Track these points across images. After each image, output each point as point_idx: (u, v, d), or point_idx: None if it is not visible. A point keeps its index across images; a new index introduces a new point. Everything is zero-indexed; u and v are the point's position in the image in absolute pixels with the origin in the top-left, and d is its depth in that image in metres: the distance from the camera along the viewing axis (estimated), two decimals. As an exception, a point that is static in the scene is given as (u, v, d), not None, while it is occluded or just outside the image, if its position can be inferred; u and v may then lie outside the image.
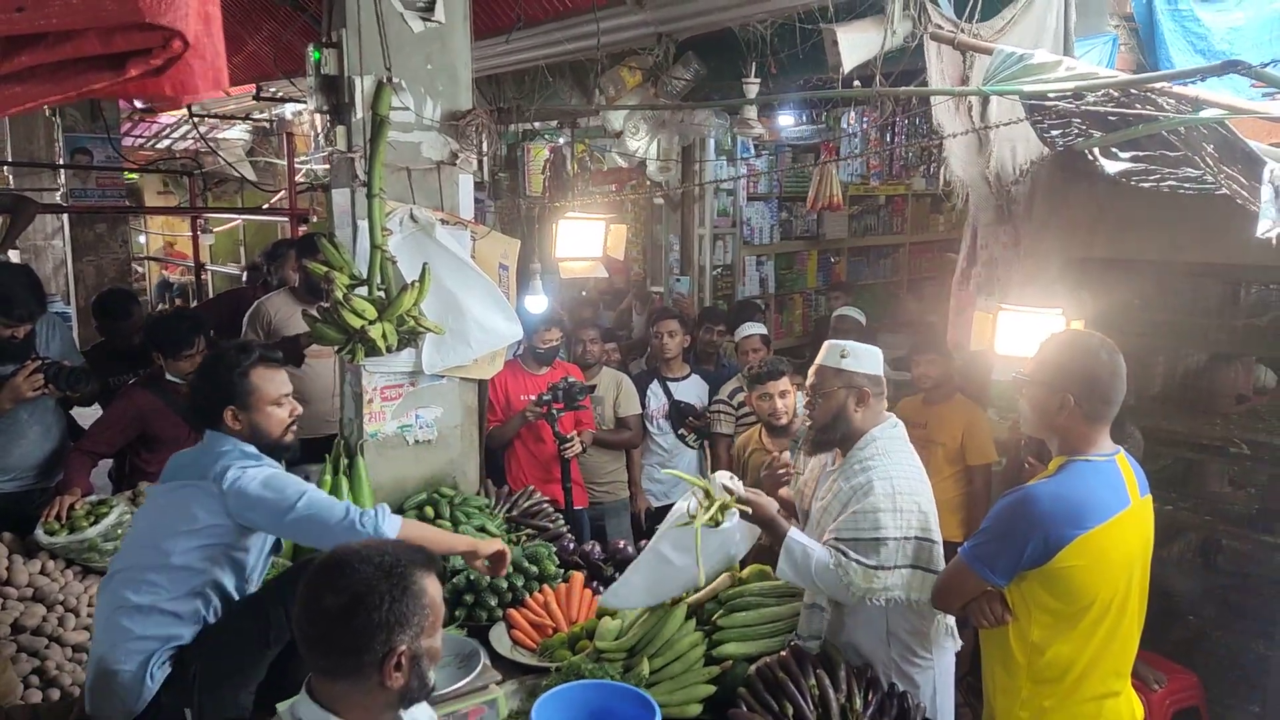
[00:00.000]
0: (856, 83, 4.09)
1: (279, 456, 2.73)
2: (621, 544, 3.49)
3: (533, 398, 4.41)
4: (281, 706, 1.60)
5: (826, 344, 2.79)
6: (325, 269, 3.17)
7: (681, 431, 5.07)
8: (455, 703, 2.34)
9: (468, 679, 2.45)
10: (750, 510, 2.66)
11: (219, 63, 1.19)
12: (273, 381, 2.64)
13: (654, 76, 5.04)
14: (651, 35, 4.68)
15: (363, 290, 3.23)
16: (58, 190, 7.42)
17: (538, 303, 4.20)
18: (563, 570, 3.31)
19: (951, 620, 2.63)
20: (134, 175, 10.87)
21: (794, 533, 2.61)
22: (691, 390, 5.13)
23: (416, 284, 3.26)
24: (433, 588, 1.58)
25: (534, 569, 3.20)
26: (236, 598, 2.54)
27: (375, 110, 3.23)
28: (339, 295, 3.10)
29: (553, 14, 4.62)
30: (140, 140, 10.78)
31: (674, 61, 4.93)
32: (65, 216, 7.68)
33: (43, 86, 1.10)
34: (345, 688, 1.53)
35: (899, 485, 2.54)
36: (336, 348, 3.32)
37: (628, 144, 5.60)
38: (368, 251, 3.26)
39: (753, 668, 2.61)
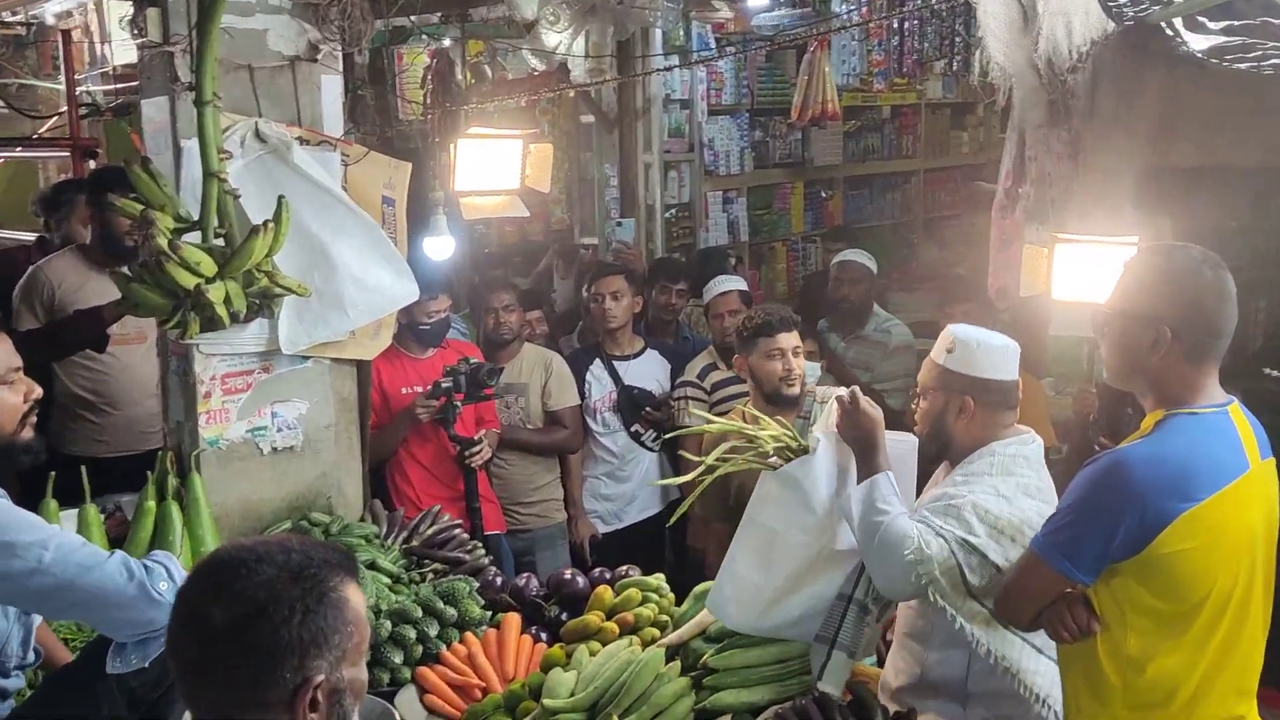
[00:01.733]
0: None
1: (14, 463, 2.67)
2: (569, 574, 3.53)
3: (419, 389, 4.43)
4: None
5: (945, 331, 2.87)
6: (140, 208, 3.13)
7: (636, 428, 5.13)
8: (365, 781, 2.35)
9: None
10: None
11: None
12: (4, 350, 2.55)
13: (577, -56, 5.09)
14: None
15: (195, 236, 3.20)
16: None
17: (442, 245, 4.20)
18: (490, 613, 3.34)
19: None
20: None
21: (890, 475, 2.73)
22: (647, 371, 5.19)
23: (270, 226, 3.23)
24: (356, 598, 1.60)
25: (450, 612, 3.23)
26: None
27: (202, -16, 3.20)
28: (162, 244, 3.06)
29: None
30: None
31: (605, -79, 4.99)
32: None
33: None
34: (238, 735, 1.53)
35: (1000, 511, 2.64)
36: (160, 321, 3.29)
37: (543, 39, 5.63)
38: (198, 183, 3.23)
39: (760, 720, 2.68)
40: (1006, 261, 4.51)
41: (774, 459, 2.87)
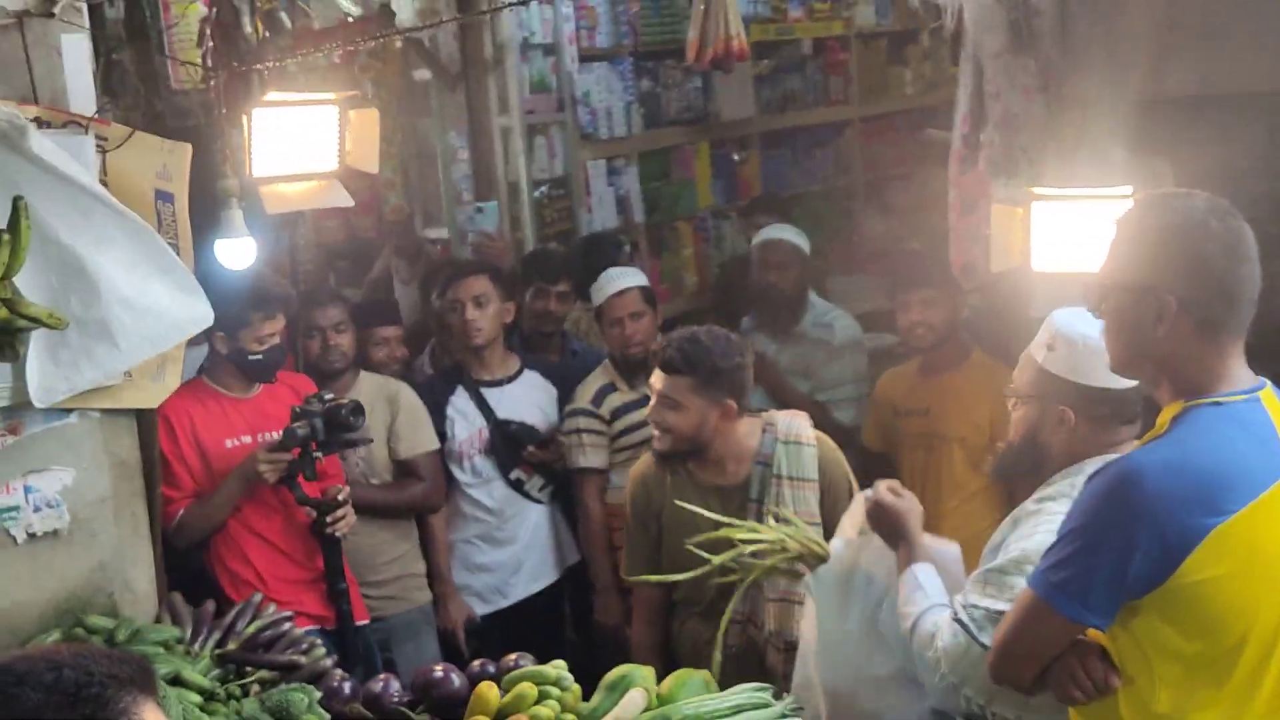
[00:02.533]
0: None
1: None
2: (440, 671, 3.50)
3: (248, 440, 4.41)
4: None
5: (1047, 320, 2.92)
6: None
7: (518, 474, 5.12)
8: None
9: None
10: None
11: None
12: None
13: None
14: None
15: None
16: None
17: (240, 250, 4.10)
18: (333, 723, 3.31)
19: None
20: None
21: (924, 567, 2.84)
22: (526, 398, 5.21)
23: (5, 238, 3.17)
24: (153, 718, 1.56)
25: (285, 731, 3.18)
26: None
27: None
28: None
29: None
30: None
31: None
32: None
33: None
34: None
35: None
36: None
37: (356, -26, 5.61)
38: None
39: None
40: (971, 229, 4.59)
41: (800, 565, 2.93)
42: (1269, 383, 2.47)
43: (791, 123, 8.78)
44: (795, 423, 4.01)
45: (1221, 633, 2.36)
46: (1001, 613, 2.63)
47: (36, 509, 3.59)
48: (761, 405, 4.49)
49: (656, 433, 3.98)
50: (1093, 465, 2.70)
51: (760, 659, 3.86)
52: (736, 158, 8.40)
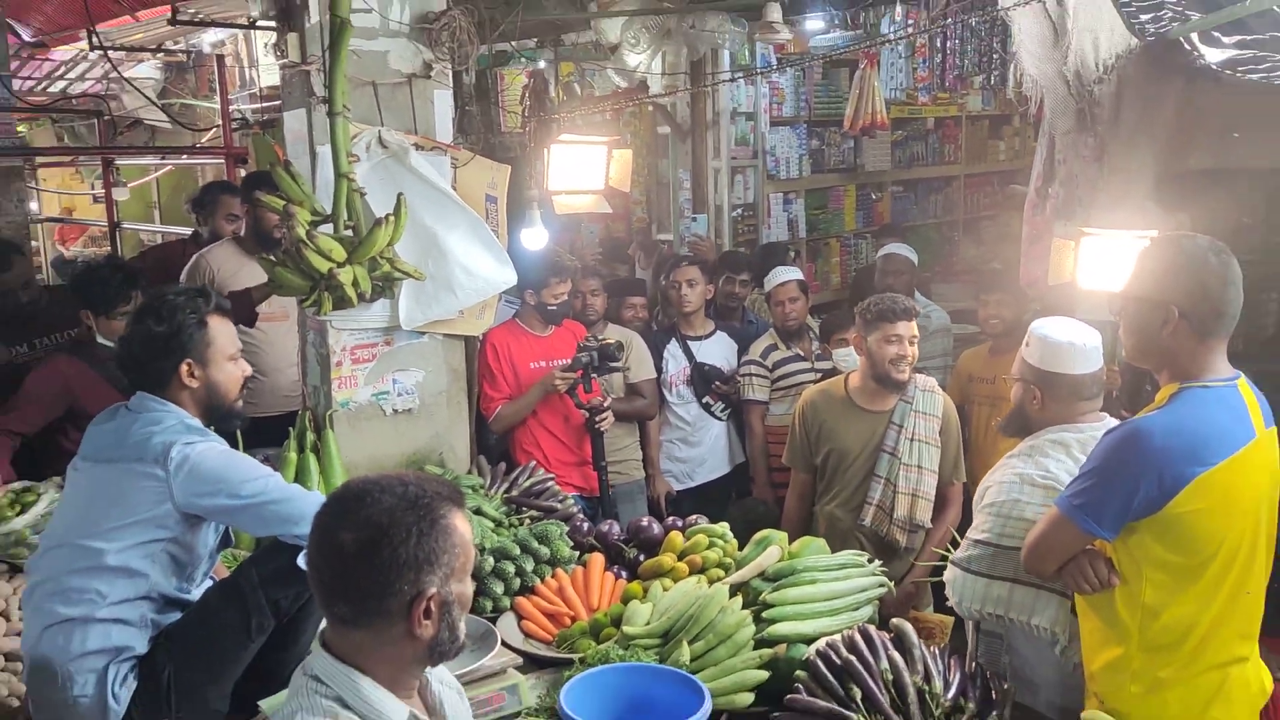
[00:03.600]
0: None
1: (230, 425, 2.79)
2: (646, 521, 3.55)
3: (545, 363, 4.44)
4: (267, 704, 1.65)
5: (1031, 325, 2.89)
6: (283, 204, 3.22)
7: (707, 400, 5.14)
8: (472, 687, 2.41)
9: (484, 660, 2.52)
10: None
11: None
12: (229, 334, 2.70)
13: (658, -24, 5.09)
14: (655, -79, 4.72)
15: (328, 228, 3.29)
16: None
17: (535, 237, 4.24)
18: (578, 553, 3.38)
19: None
20: (24, 127, 10.89)
21: None
22: (717, 350, 5.19)
23: (390, 219, 3.31)
24: (462, 525, 1.64)
25: (544, 551, 3.27)
26: (182, 600, 2.59)
27: (334, 12, 3.27)
28: (301, 233, 3.16)
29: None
30: (30, 82, 10.78)
31: (683, -44, 4.99)
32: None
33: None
34: (367, 637, 1.59)
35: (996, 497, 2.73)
36: (300, 300, 3.38)
37: (625, 59, 5.64)
38: (331, 183, 3.32)
39: (812, 649, 2.68)
40: (1037, 254, 4.43)
41: None
42: (1243, 375, 2.39)
43: (915, 175, 8.54)
44: (929, 379, 3.99)
45: (1197, 551, 2.30)
46: (976, 541, 2.73)
47: (399, 394, 3.73)
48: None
49: (909, 362, 3.85)
50: (1050, 431, 2.77)
51: (887, 537, 3.82)
52: (874, 197, 8.21)
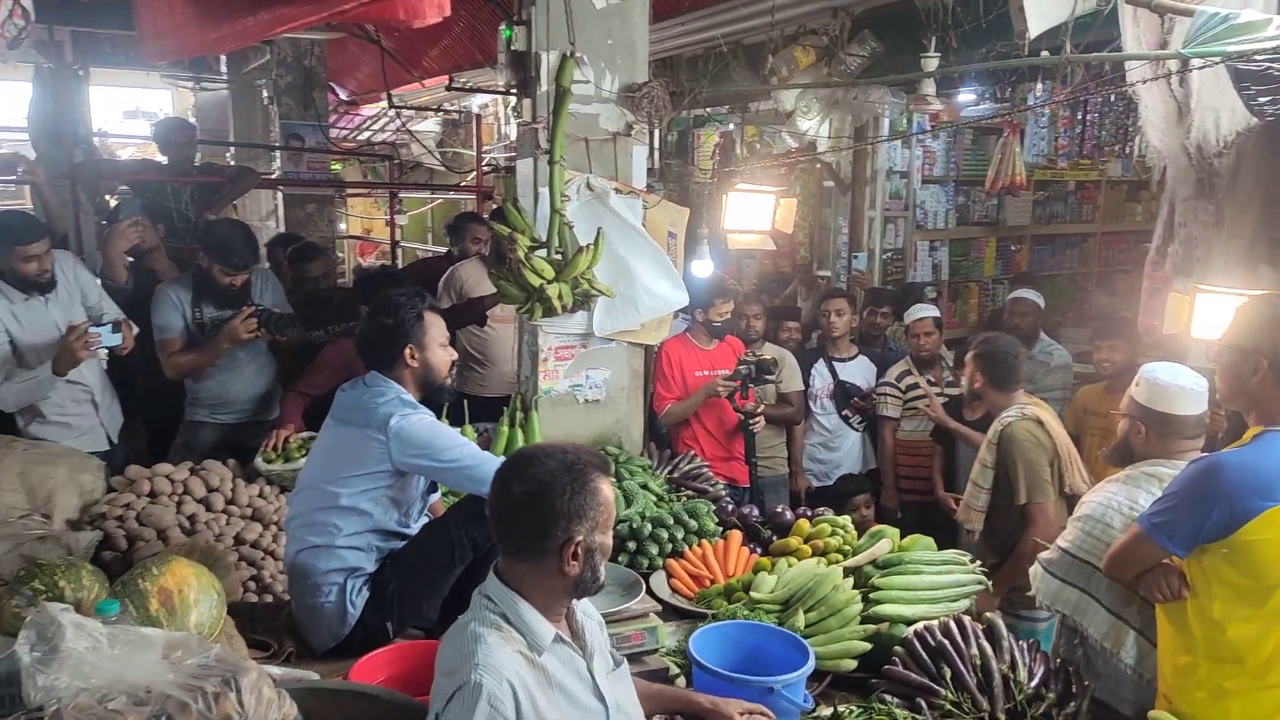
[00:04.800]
0: (1044, 53, 3.94)
1: (440, 399, 2.94)
2: (781, 508, 3.53)
3: (709, 372, 4.45)
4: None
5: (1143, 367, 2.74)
6: (509, 231, 3.40)
7: (846, 412, 5.04)
8: (618, 625, 2.48)
9: (630, 603, 2.59)
10: None
11: (444, -10, 1.35)
12: (439, 325, 2.82)
13: (828, 55, 5.03)
14: (827, 10, 4.68)
15: (542, 252, 3.45)
16: (273, 173, 8.25)
17: (704, 267, 4.29)
18: (721, 529, 3.40)
19: None
20: (338, 165, 11.85)
21: None
22: (858, 371, 5.08)
23: (591, 247, 3.44)
24: (606, 488, 1.72)
25: (693, 523, 3.31)
26: (400, 532, 2.75)
27: (558, 82, 3.43)
28: (520, 255, 3.33)
29: (728, -8, 4.70)
30: (344, 131, 11.75)
31: (850, 39, 4.91)
32: (280, 199, 8.51)
33: (306, 7, 1.30)
34: (527, 569, 1.69)
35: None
36: (518, 307, 3.56)
37: (798, 124, 5.60)
38: (548, 216, 3.47)
39: (910, 630, 2.61)
40: (1154, 306, 4.11)
41: None
42: None
43: (1054, 231, 8.04)
44: (1012, 412, 3.65)
45: (1263, 576, 2.12)
46: (1060, 547, 2.61)
47: (590, 387, 3.80)
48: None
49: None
50: (1146, 465, 2.56)
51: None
52: (1014, 248, 7.79)
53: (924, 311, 4.97)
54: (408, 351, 2.71)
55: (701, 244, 4.37)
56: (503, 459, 2.50)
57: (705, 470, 3.90)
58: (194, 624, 2.31)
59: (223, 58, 9.67)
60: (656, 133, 7.13)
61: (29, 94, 5.38)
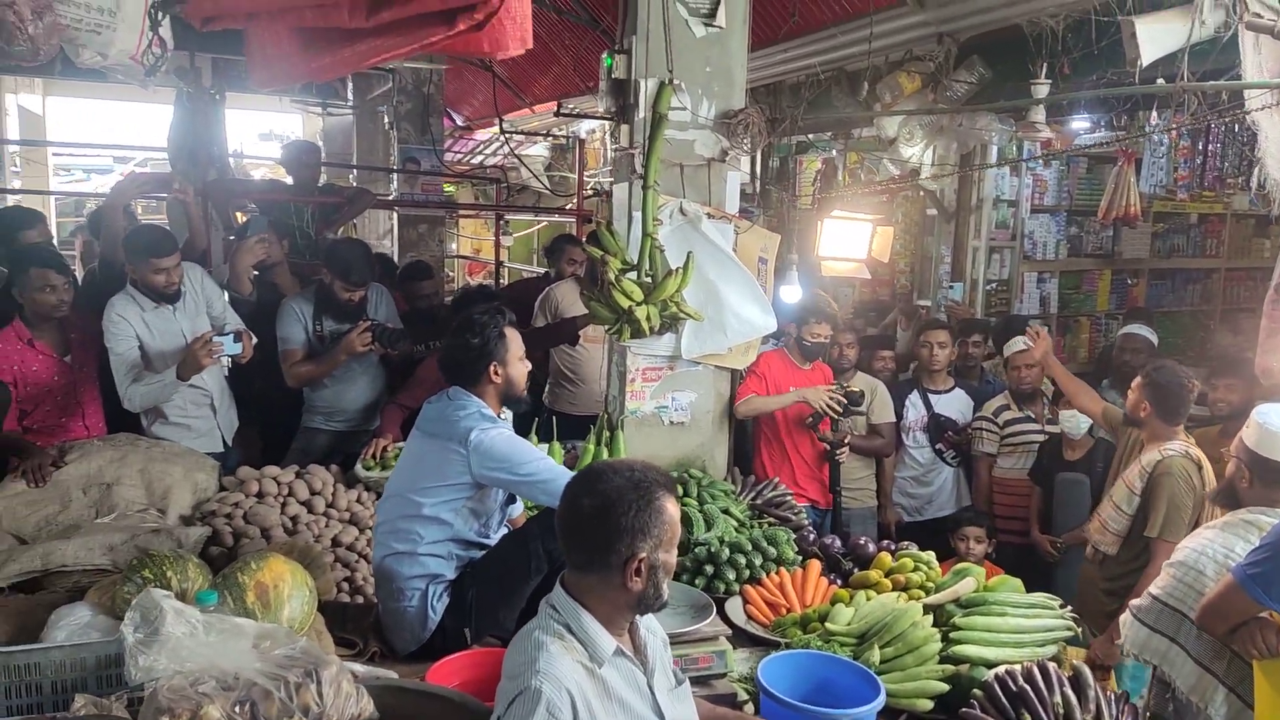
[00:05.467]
0: (1159, 80, 3.78)
1: (517, 408, 3.05)
2: (863, 540, 3.47)
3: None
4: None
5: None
6: (601, 253, 3.47)
7: (939, 446, 4.90)
8: (687, 646, 2.49)
9: (700, 625, 2.59)
10: None
11: (526, 25, 1.43)
12: (518, 340, 2.89)
13: (934, 81, 4.95)
14: (932, 36, 4.61)
15: (632, 275, 3.50)
16: (390, 195, 8.63)
17: (793, 292, 4.27)
18: (800, 558, 3.36)
19: None
20: (451, 188, 12.30)
21: None
22: (954, 404, 4.93)
23: (680, 271, 3.48)
24: (672, 507, 1.74)
25: (772, 550, 3.28)
26: (481, 542, 2.82)
27: (655, 109, 3.50)
28: (611, 277, 3.39)
29: (830, 19, 4.69)
30: (459, 155, 12.19)
31: (956, 65, 4.82)
32: (395, 220, 8.89)
33: (397, 39, 1.40)
34: (592, 582, 1.72)
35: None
36: (607, 328, 3.62)
37: (901, 151, 5.51)
38: (640, 240, 3.53)
39: (991, 673, 2.52)
40: (1273, 346, 3.86)
41: None
42: None
43: (1174, 265, 7.63)
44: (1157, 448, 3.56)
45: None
46: (1151, 594, 2.51)
47: (676, 410, 3.82)
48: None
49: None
50: (1247, 512, 2.41)
51: None
52: (1130, 281, 7.43)
53: (1024, 344, 4.80)
54: (492, 368, 2.78)
55: (791, 269, 4.34)
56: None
57: (788, 498, 3.86)
58: (286, 618, 2.43)
59: (349, 84, 10.21)
60: (757, 159, 7.18)
61: (170, 116, 5.78)
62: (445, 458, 2.69)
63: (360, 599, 3.27)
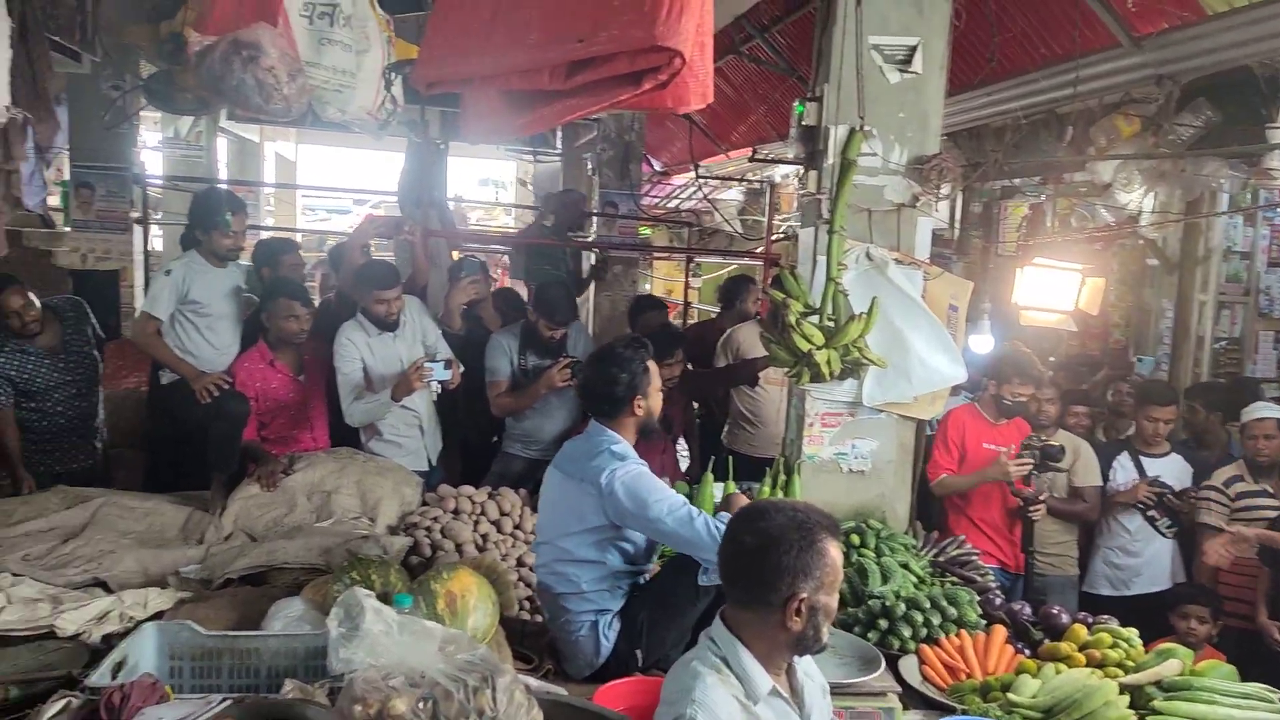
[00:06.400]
0: None
1: (652, 437, 3.13)
2: (1055, 609, 3.24)
3: (993, 448, 4.17)
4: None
5: None
6: (783, 296, 3.50)
7: (1153, 514, 4.49)
8: (853, 699, 2.43)
9: (868, 678, 2.52)
10: None
11: (707, 81, 1.53)
12: (657, 373, 2.93)
13: (1154, 125, 4.64)
14: (1150, 78, 4.34)
15: (814, 319, 3.50)
16: (589, 236, 9.06)
17: (984, 343, 4.09)
18: (984, 621, 3.19)
19: None
20: (646, 230, 12.73)
21: None
22: (1170, 470, 4.51)
23: (864, 316, 3.44)
24: (834, 550, 1.73)
25: (952, 610, 3.14)
26: (638, 572, 2.88)
27: (844, 155, 3.51)
28: (791, 320, 3.41)
29: (1035, 61, 4.52)
30: (656, 199, 12.62)
31: (1179, 107, 4.50)
32: (592, 260, 9.31)
33: (590, 99, 1.53)
34: (750, 618, 1.74)
35: None
36: (786, 371, 3.63)
37: (1117, 197, 5.18)
38: (823, 284, 3.53)
39: (1193, 766, 2.29)
40: None
41: None
42: None
43: None
44: None
45: None
46: None
47: (855, 457, 3.74)
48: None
49: None
50: None
51: None
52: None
53: (1265, 411, 4.32)
54: (636, 401, 2.84)
55: (983, 318, 4.16)
56: (704, 521, 2.57)
57: (974, 558, 3.68)
58: (471, 626, 2.61)
59: (558, 133, 10.86)
60: (957, 204, 6.95)
61: (401, 163, 6.40)
62: (582, 500, 2.76)
63: (539, 618, 3.42)
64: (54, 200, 8.65)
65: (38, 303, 4.08)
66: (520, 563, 3.66)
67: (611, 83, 1.52)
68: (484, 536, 3.73)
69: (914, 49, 3.58)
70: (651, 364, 2.89)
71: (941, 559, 3.67)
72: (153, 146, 11.55)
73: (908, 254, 3.64)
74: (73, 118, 6.95)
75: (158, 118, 11.25)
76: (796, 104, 3.70)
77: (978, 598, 3.28)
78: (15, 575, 3.00)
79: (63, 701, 2.24)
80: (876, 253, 3.58)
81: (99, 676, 2.28)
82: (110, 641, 2.65)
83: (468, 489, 3.96)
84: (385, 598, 2.63)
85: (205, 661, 2.47)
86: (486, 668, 2.07)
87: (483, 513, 3.84)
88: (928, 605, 3.13)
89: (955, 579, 3.52)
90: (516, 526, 3.81)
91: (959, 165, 3.64)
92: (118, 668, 2.35)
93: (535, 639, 3.12)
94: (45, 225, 8.31)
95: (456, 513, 3.82)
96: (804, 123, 3.67)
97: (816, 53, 3.71)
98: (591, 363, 2.97)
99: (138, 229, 7.35)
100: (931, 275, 3.64)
